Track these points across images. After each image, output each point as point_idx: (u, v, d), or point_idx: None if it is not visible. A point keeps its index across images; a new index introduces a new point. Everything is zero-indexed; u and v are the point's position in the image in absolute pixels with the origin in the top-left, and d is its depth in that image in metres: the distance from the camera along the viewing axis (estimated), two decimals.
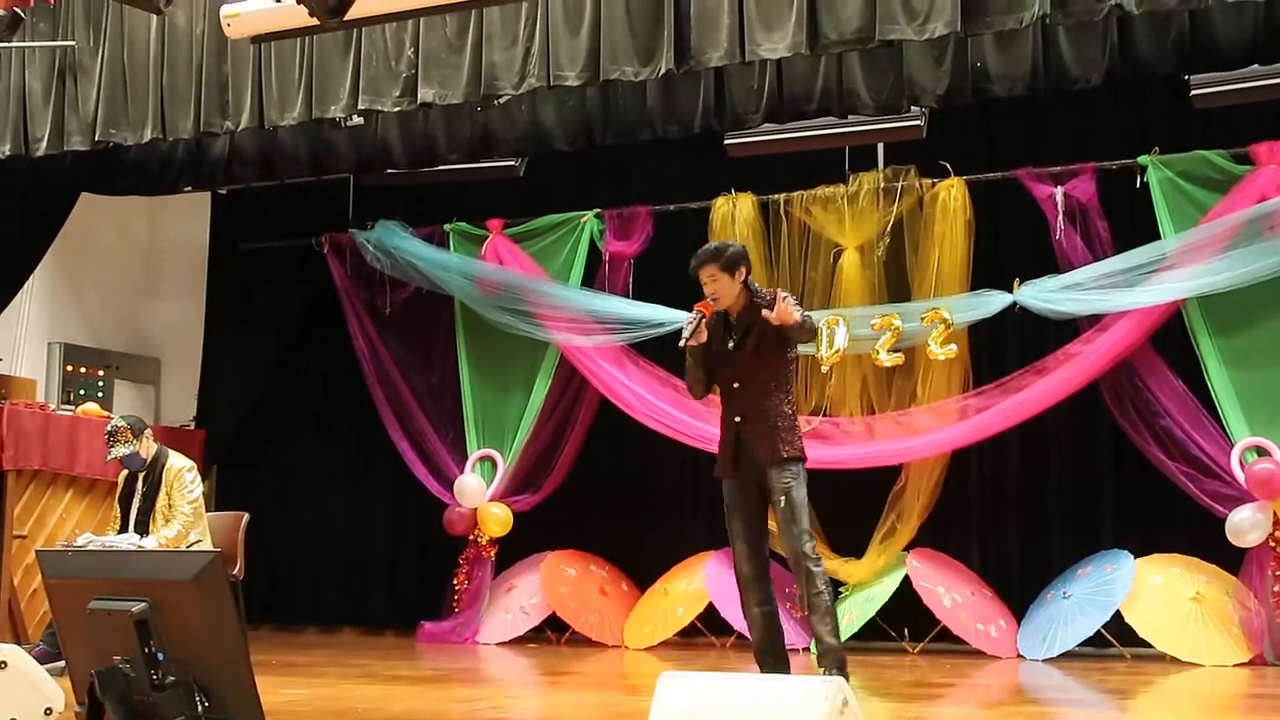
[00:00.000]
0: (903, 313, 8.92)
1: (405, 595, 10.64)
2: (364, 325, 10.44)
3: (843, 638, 8.52)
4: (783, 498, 5.94)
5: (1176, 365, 8.57)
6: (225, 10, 6.83)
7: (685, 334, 5.98)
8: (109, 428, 7.31)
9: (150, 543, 7.11)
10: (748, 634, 8.83)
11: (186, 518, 7.24)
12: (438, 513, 10.01)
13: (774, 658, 6.12)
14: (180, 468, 7.35)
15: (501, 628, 9.69)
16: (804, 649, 8.97)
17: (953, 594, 8.74)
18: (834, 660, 5.92)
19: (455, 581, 9.96)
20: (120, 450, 7.22)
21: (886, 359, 8.92)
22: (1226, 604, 8.25)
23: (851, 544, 9.15)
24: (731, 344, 6.08)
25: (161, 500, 7.28)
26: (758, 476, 6.02)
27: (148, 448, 7.34)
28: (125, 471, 7.42)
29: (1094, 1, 6.41)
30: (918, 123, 8.45)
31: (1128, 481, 9.03)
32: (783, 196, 9.42)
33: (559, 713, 6.35)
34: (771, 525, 6.14)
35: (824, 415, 9.20)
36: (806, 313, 6.04)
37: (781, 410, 6.07)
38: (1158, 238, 8.52)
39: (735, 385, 6.09)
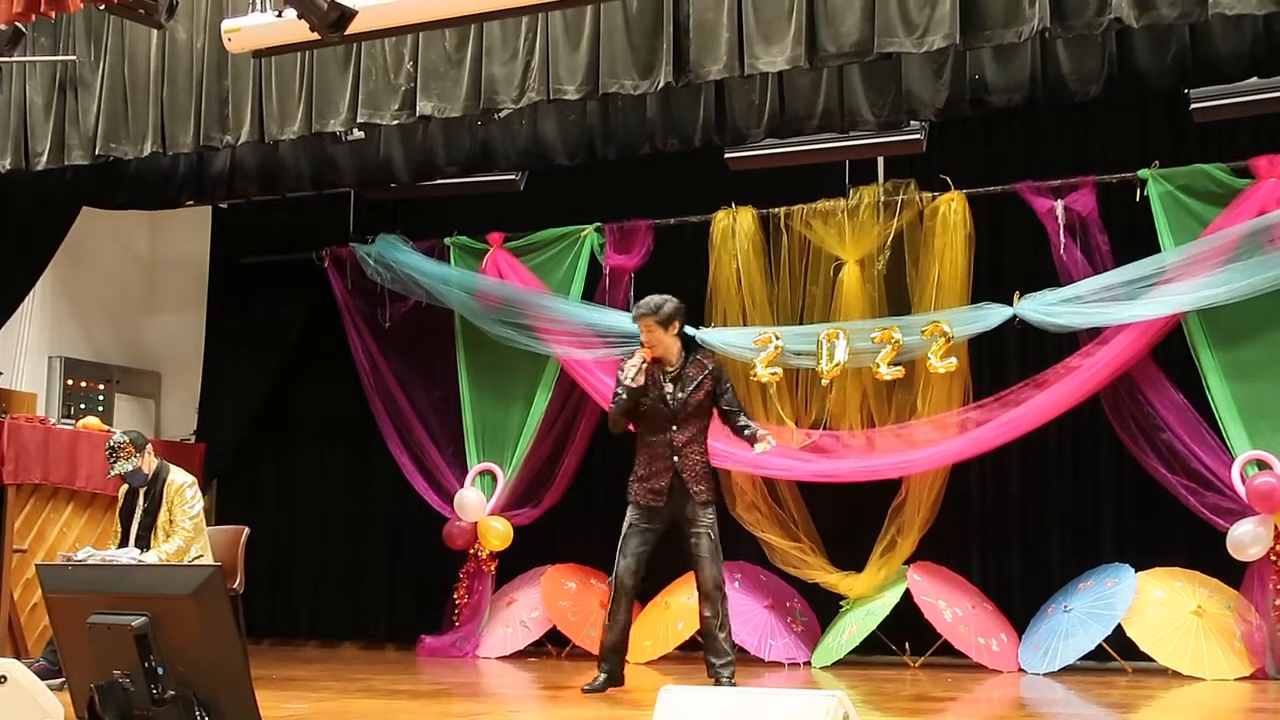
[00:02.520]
0: (903, 326, 8.92)
1: (405, 609, 10.63)
2: (364, 339, 10.44)
3: (843, 652, 8.66)
4: (709, 532, 6.95)
5: (1177, 378, 8.57)
6: (226, 25, 6.86)
7: (629, 376, 6.89)
8: (111, 443, 7.30)
9: (151, 558, 7.10)
10: (746, 648, 8.94)
11: (187, 533, 7.23)
12: (438, 527, 10.00)
13: (619, 656, 7.15)
14: (181, 483, 7.35)
15: (502, 642, 9.68)
16: (804, 663, 8.97)
17: (954, 608, 8.73)
18: (733, 671, 6.94)
19: (455, 596, 9.95)
20: (122, 466, 7.22)
21: (887, 372, 8.91)
22: (1228, 618, 8.23)
23: (852, 558, 9.15)
24: (671, 392, 6.96)
25: (163, 515, 7.27)
26: (676, 509, 6.98)
27: (149, 463, 7.33)
28: (126, 486, 7.42)
29: (1093, 15, 6.43)
30: (917, 136, 8.46)
31: (1128, 495, 9.02)
32: (783, 210, 9.43)
33: None
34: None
35: (824, 428, 9.20)
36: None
37: (707, 457, 7.09)
38: (1158, 251, 8.52)
39: (674, 428, 6.98)
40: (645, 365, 6.92)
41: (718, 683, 6.81)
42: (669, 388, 6.98)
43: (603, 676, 7.06)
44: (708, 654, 7.01)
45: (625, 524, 7.09)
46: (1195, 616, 8.22)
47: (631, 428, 7.23)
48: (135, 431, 7.55)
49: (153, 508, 7.28)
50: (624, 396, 6.97)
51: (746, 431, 7.06)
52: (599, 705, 6.66)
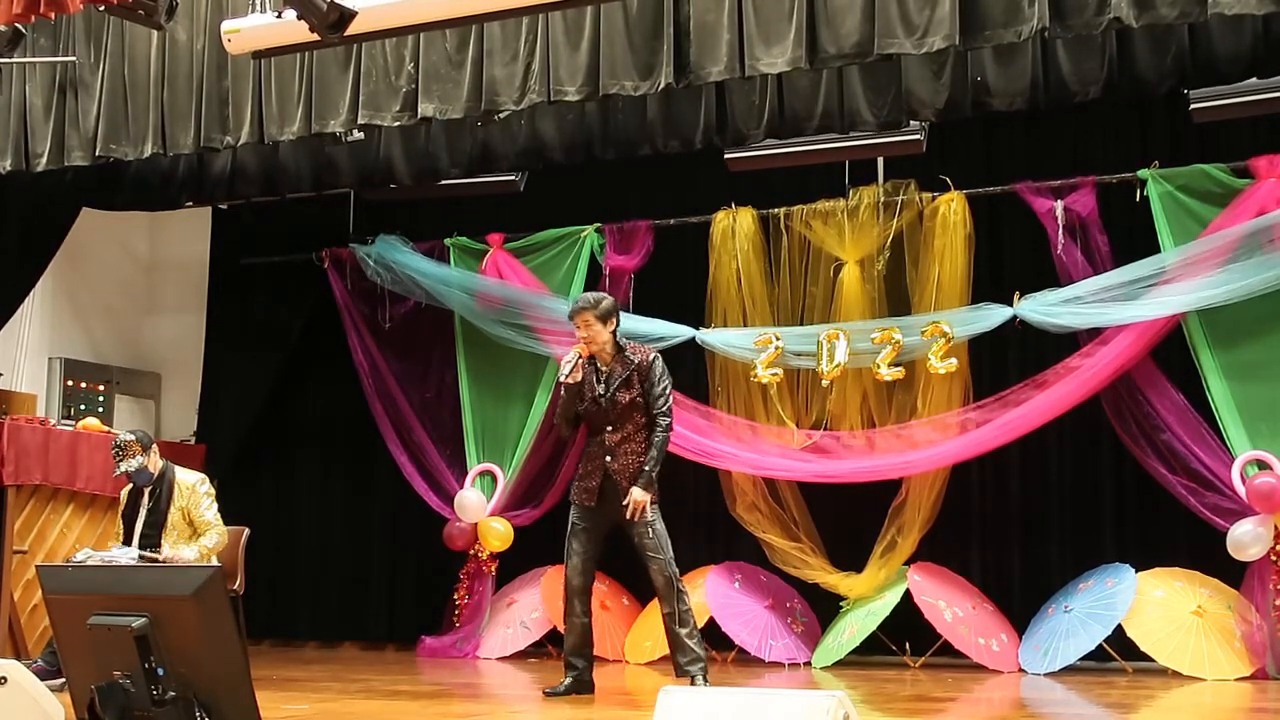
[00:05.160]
0: (903, 326, 8.92)
1: (405, 610, 10.62)
2: (364, 340, 10.45)
3: (844, 653, 8.65)
4: (649, 529, 6.83)
5: (1177, 379, 8.57)
6: (226, 26, 6.86)
7: (563, 372, 6.85)
8: (117, 442, 7.27)
9: (190, 553, 7.14)
10: (746, 648, 8.94)
11: (219, 526, 7.32)
12: (438, 527, 10.00)
13: (584, 660, 6.99)
14: (193, 483, 7.35)
15: (502, 642, 9.68)
16: (805, 663, 8.97)
17: (954, 608, 8.73)
18: (703, 668, 6.75)
19: (456, 596, 9.95)
20: (129, 465, 7.20)
21: (887, 373, 8.92)
22: (1228, 618, 8.23)
23: (852, 558, 9.15)
24: (601, 389, 6.88)
25: (173, 515, 7.26)
26: (612, 509, 6.86)
27: (155, 462, 7.33)
28: (129, 486, 7.41)
29: (1093, 15, 6.43)
30: (917, 137, 8.46)
31: (1128, 495, 9.02)
32: (783, 211, 9.43)
33: None
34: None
35: (824, 429, 9.20)
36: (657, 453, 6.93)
37: (648, 454, 6.90)
38: (1158, 251, 8.53)
39: (608, 428, 6.90)
40: (580, 361, 6.83)
41: (691, 681, 6.66)
42: (600, 388, 6.89)
43: (568, 680, 6.92)
44: (673, 653, 6.86)
45: (569, 526, 7.00)
46: (1195, 616, 8.22)
47: None
48: (140, 430, 7.53)
49: (159, 507, 7.27)
50: (563, 395, 6.94)
51: (653, 438, 6.89)
52: (599, 706, 6.66)
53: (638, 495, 6.77)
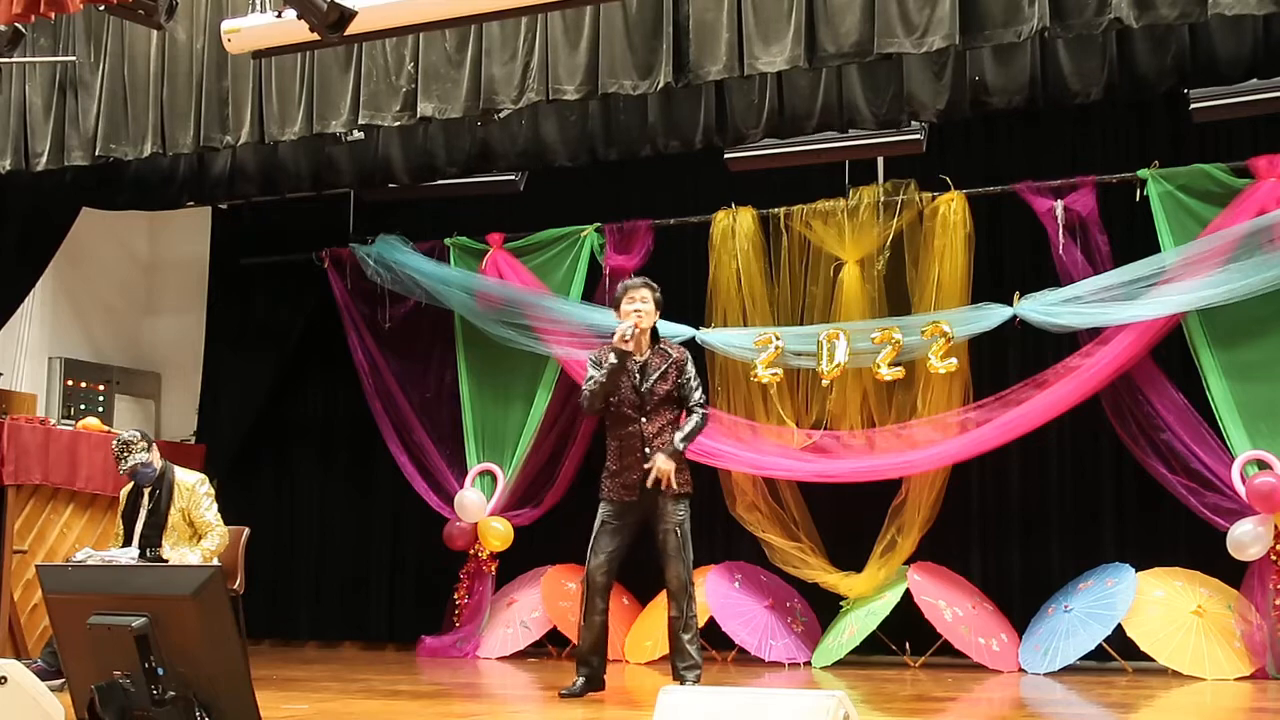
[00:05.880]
0: (903, 326, 8.92)
1: (405, 610, 10.63)
2: (364, 340, 10.45)
3: (844, 653, 8.66)
4: (677, 529, 6.78)
5: (1177, 378, 8.57)
6: (226, 25, 6.86)
7: (624, 334, 6.73)
8: (122, 438, 7.26)
9: (195, 556, 7.12)
10: (746, 648, 8.94)
11: (220, 527, 7.31)
12: (438, 527, 10.00)
13: (599, 658, 6.95)
14: (192, 483, 7.34)
15: (502, 642, 9.68)
16: (805, 663, 8.97)
17: (954, 608, 8.73)
18: (698, 676, 6.77)
19: (456, 596, 9.95)
20: (134, 460, 7.18)
21: (887, 373, 8.92)
22: (1228, 618, 8.23)
23: (852, 558, 9.15)
24: (638, 381, 6.84)
25: (174, 515, 7.25)
26: (649, 505, 6.79)
27: (156, 460, 7.33)
28: (129, 486, 7.40)
29: (1093, 15, 6.43)
30: (917, 137, 8.46)
31: (1128, 495, 9.02)
32: (783, 210, 9.43)
33: None
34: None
35: (824, 429, 9.20)
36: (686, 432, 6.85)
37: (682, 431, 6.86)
38: (1158, 251, 8.53)
39: (643, 419, 6.82)
40: (637, 333, 6.80)
41: (683, 684, 6.62)
42: (637, 377, 6.84)
43: (581, 680, 6.86)
44: (672, 655, 6.86)
45: (597, 521, 6.88)
46: (1195, 616, 8.22)
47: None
48: (141, 430, 7.53)
49: (159, 507, 7.26)
50: (612, 362, 6.77)
51: (683, 425, 6.89)
52: (599, 706, 6.66)
53: (661, 463, 6.69)
